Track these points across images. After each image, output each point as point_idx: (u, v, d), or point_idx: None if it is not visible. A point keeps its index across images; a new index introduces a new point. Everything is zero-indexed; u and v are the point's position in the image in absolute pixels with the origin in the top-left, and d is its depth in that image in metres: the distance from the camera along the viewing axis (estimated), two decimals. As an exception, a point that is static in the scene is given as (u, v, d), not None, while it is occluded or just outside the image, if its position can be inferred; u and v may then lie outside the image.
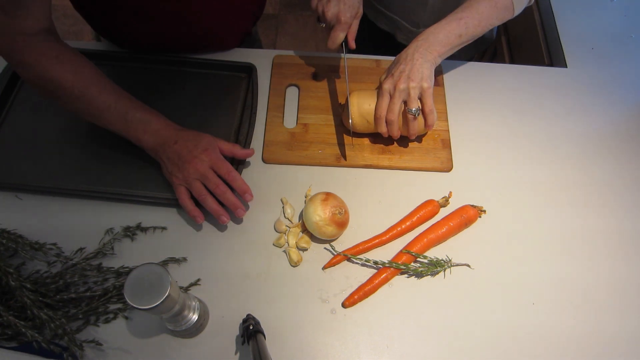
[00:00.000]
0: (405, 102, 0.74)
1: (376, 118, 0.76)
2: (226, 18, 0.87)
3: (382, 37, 1.08)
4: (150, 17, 0.80)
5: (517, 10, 0.80)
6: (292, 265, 0.71)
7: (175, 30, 0.84)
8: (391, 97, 0.74)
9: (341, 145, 0.81)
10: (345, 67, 0.78)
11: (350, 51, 0.83)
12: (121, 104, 0.70)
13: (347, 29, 0.78)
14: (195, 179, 0.69)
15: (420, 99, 0.74)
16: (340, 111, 0.84)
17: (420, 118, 0.76)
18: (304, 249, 0.72)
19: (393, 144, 0.82)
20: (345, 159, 0.80)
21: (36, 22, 0.65)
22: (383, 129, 0.76)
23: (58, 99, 0.69)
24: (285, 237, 0.72)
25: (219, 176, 0.70)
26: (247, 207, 0.74)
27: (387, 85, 0.74)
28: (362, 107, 0.78)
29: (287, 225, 0.74)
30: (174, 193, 0.72)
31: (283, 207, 0.76)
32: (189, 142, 0.70)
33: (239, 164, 0.77)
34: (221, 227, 0.74)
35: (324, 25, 0.81)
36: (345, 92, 0.84)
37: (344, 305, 0.68)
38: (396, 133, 0.76)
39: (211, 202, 0.70)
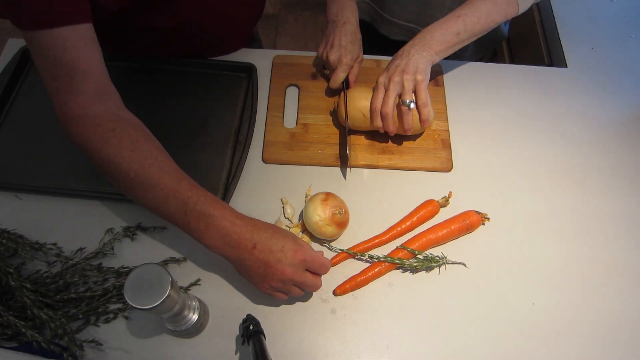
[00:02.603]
0: (399, 96, 0.75)
1: (371, 111, 0.77)
2: (229, 26, 0.87)
3: (397, 48, 1.08)
4: (155, 33, 0.80)
5: (523, 7, 0.80)
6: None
7: (179, 43, 0.85)
8: (386, 90, 0.75)
9: (342, 148, 0.81)
10: (346, 110, 0.79)
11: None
12: (181, 192, 0.59)
13: (347, 70, 0.82)
14: (292, 286, 0.63)
15: (415, 92, 0.75)
16: (334, 107, 0.83)
17: (416, 113, 0.76)
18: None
19: (389, 142, 0.82)
20: (347, 165, 0.80)
21: (92, 85, 0.60)
22: (378, 123, 0.76)
23: (116, 183, 0.61)
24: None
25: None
26: None
27: (382, 79, 0.76)
28: (357, 102, 0.78)
29: (287, 225, 0.74)
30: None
31: (283, 207, 0.76)
32: (272, 246, 0.60)
33: (238, 165, 0.77)
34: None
35: (328, 72, 0.86)
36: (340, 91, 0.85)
37: (334, 293, 0.68)
38: (391, 127, 0.76)
39: (300, 293, 0.65)
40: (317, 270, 0.63)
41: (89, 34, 0.60)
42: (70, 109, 0.60)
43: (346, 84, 0.83)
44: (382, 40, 1.08)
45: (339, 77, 0.82)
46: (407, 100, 0.74)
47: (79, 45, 0.59)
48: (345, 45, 0.81)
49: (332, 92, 0.88)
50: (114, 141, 0.59)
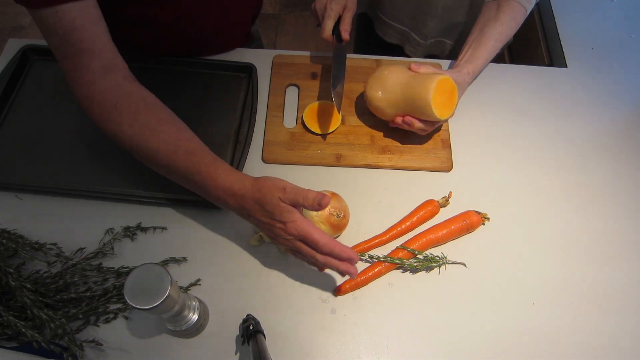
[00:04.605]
0: None
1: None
2: (226, 21, 0.87)
3: (390, 50, 1.10)
4: (150, 25, 0.80)
5: (527, 13, 0.85)
6: (281, 253, 0.71)
7: (175, 37, 0.84)
8: None
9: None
10: (333, 54, 0.80)
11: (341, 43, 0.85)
12: (178, 161, 0.62)
13: (335, 17, 0.81)
14: (295, 252, 0.63)
15: None
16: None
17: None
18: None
19: (389, 141, 0.82)
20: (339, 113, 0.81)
21: (99, 62, 0.63)
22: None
23: (127, 149, 0.66)
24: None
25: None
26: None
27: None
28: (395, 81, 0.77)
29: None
30: (174, 193, 0.73)
31: (283, 207, 0.76)
32: (261, 215, 0.60)
33: (238, 164, 0.77)
34: (221, 227, 0.74)
35: (319, 25, 0.84)
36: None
37: (334, 293, 0.68)
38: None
39: (332, 262, 0.60)
40: (309, 241, 0.60)
41: (93, 11, 0.62)
42: (80, 87, 0.64)
43: (337, 37, 0.82)
44: (377, 40, 1.09)
45: (326, 25, 0.80)
46: None
47: (85, 23, 0.61)
48: None
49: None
50: (115, 117, 0.63)
